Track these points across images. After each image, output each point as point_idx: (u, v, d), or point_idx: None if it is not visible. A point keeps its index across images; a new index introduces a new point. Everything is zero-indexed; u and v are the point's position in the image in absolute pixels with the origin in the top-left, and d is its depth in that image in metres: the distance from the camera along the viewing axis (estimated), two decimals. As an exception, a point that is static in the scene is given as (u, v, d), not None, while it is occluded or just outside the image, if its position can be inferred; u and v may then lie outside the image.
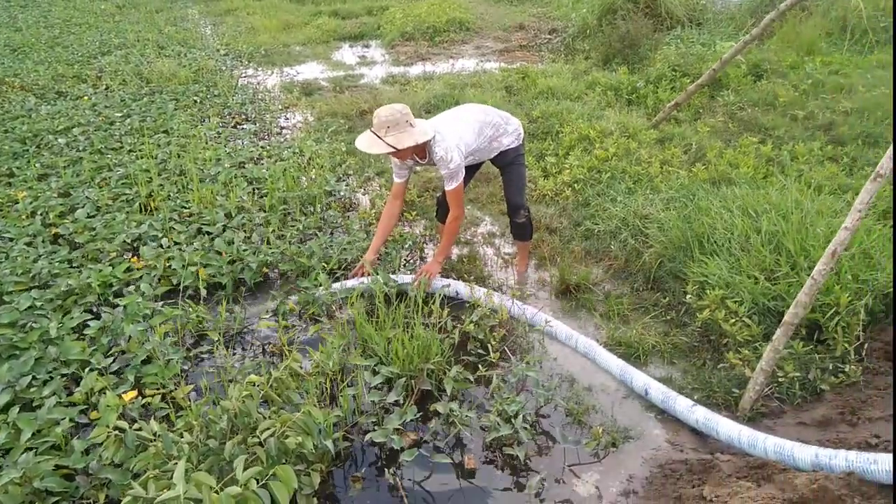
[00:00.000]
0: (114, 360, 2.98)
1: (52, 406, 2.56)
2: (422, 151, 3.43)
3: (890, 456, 2.12)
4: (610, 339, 3.30)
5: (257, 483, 1.93)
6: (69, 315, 3.29)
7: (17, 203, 4.53)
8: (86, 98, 7.14)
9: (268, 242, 4.08)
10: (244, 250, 3.90)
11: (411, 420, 2.63)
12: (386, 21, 11.86)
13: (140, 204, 4.60)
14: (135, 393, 2.66)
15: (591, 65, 8.15)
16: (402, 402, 2.78)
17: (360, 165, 5.52)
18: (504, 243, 4.33)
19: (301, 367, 2.62)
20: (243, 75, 9.03)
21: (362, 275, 3.59)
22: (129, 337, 3.06)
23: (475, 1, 13.75)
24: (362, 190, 5.20)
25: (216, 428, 2.26)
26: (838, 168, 4.53)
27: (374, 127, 3.26)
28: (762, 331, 3.03)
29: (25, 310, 3.27)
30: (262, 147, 5.88)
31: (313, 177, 5.09)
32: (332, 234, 4.35)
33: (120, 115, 6.53)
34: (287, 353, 2.92)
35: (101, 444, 2.21)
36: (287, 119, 7.16)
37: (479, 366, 2.95)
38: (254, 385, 2.36)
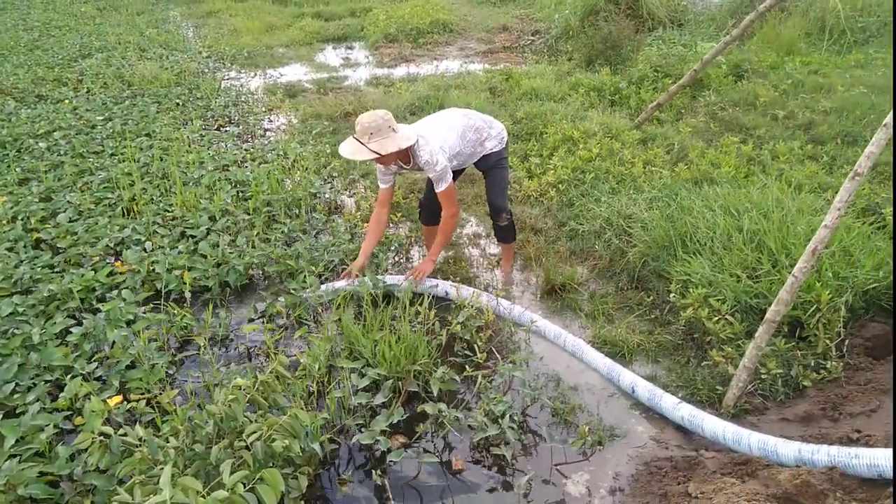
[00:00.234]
0: (98, 366, 2.96)
1: (36, 412, 2.53)
2: (406, 156, 3.43)
3: (870, 450, 2.16)
4: (596, 337, 3.32)
5: (244, 487, 1.93)
6: (52, 321, 3.26)
7: (-2, 208, 4.48)
8: (67, 101, 7.05)
9: (253, 245, 4.06)
10: (229, 253, 3.88)
11: (398, 421, 2.63)
12: (369, 23, 11.82)
13: (123, 208, 4.56)
14: (120, 398, 2.64)
15: (574, 66, 8.19)
16: (388, 403, 2.78)
17: (345, 167, 5.50)
18: (489, 244, 4.34)
19: (287, 370, 2.61)
20: (226, 78, 8.97)
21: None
22: (113, 342, 3.03)
23: (458, 2, 13.77)
24: (347, 192, 5.19)
25: (202, 432, 2.25)
26: (818, 167, 4.59)
27: (357, 133, 3.25)
28: (745, 328, 3.06)
29: (7, 316, 3.25)
30: (245, 150, 5.85)
31: (298, 179, 5.08)
32: (317, 236, 4.34)
33: (101, 118, 6.47)
34: (273, 355, 2.91)
35: (86, 449, 2.18)
36: (271, 121, 7.13)
37: (466, 366, 2.96)
38: (240, 389, 2.35)
